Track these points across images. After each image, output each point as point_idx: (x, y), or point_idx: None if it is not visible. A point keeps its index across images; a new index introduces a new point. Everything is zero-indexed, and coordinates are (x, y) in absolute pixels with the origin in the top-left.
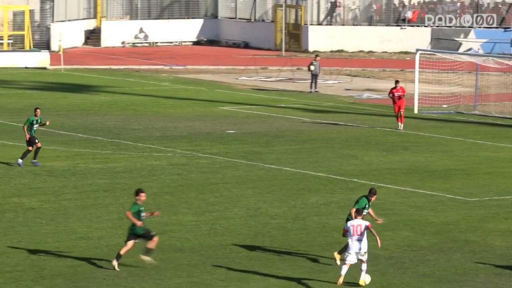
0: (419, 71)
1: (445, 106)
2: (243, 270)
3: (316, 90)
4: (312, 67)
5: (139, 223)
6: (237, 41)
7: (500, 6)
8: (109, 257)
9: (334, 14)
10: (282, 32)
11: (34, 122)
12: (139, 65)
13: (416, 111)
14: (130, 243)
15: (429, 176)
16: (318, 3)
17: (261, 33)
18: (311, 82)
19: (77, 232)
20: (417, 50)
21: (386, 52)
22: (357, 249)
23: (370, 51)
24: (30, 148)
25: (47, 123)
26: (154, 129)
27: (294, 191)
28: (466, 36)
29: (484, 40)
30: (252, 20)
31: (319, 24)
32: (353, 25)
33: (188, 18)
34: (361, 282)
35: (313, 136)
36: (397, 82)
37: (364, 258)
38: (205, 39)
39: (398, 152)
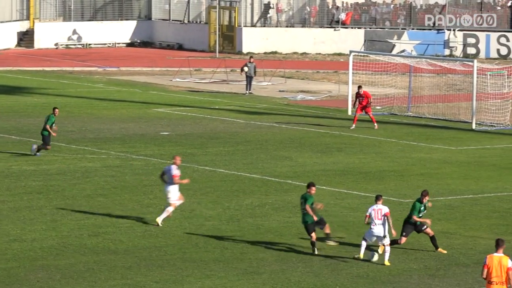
0: (353, 73)
1: (378, 107)
2: (177, 272)
3: (250, 92)
4: (246, 69)
5: (315, 217)
6: (171, 42)
7: (433, 7)
8: (42, 259)
9: (268, 15)
10: (216, 33)
11: (54, 121)
12: (73, 67)
13: (350, 112)
14: (314, 234)
15: (363, 177)
16: (252, 5)
17: (195, 34)
18: (246, 84)
19: (10, 234)
20: (351, 51)
21: (320, 53)
22: (379, 233)
23: (304, 53)
24: (48, 147)
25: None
26: (87, 131)
27: (229, 193)
28: (399, 37)
29: (417, 42)
30: (186, 22)
31: (253, 25)
32: (287, 26)
33: (121, 19)
34: (386, 263)
35: (247, 138)
36: (359, 87)
37: (386, 241)
38: (138, 41)
39: (332, 154)
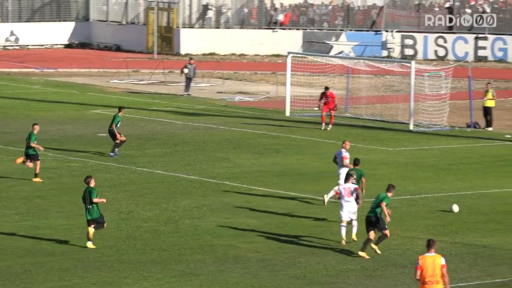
0: (291, 74)
1: (316, 108)
2: (114, 273)
3: (188, 93)
4: (186, 70)
5: (388, 219)
6: (109, 44)
7: (371, 9)
8: None
9: (206, 16)
10: (154, 35)
11: (119, 120)
12: (10, 68)
13: (288, 113)
14: (371, 233)
15: (301, 178)
16: (190, 6)
17: (133, 36)
18: (185, 85)
19: None
20: (289, 53)
21: (258, 55)
22: (351, 209)
23: (242, 54)
24: (118, 141)
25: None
26: (25, 133)
27: (166, 194)
28: (337, 39)
29: (355, 43)
30: (124, 23)
31: (191, 27)
32: (225, 28)
33: (59, 20)
34: (354, 237)
35: (185, 139)
36: (326, 88)
37: (354, 216)
38: (76, 42)
39: (270, 155)
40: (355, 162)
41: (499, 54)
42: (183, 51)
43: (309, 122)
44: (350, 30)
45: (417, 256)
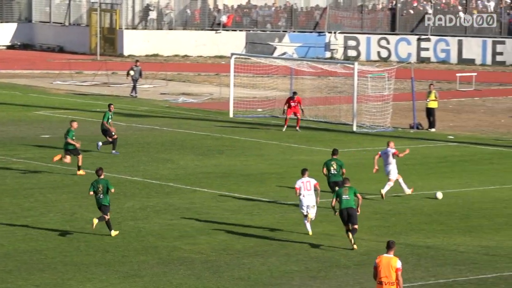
0: (234, 75)
1: (260, 110)
2: (58, 275)
3: (136, 95)
4: (131, 72)
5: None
6: (51, 45)
7: (314, 10)
8: None
9: (149, 18)
10: (97, 36)
11: (110, 116)
12: None
13: (231, 115)
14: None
15: (245, 179)
16: (133, 7)
17: (75, 37)
18: (132, 87)
19: None
20: (232, 54)
21: (201, 56)
22: (309, 202)
23: (186, 55)
24: (115, 136)
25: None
26: None
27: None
28: (280, 40)
29: (299, 44)
30: (67, 24)
31: (134, 28)
32: (168, 29)
33: (1, 22)
34: (310, 233)
35: (128, 141)
36: (294, 93)
37: (313, 210)
38: (19, 43)
39: (214, 156)
40: (334, 152)
41: (442, 55)
42: (126, 52)
43: (252, 123)
44: (293, 32)
45: (361, 257)
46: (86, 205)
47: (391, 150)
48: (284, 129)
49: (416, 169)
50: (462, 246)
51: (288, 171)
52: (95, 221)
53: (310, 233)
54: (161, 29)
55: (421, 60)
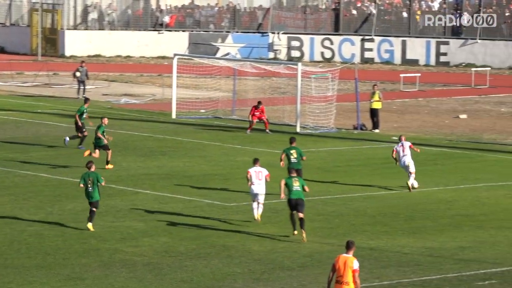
0: (177, 76)
1: (203, 111)
2: None
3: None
4: (77, 74)
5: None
6: None
7: (257, 10)
8: None
9: (91, 18)
10: (38, 36)
11: (85, 111)
12: None
13: (174, 116)
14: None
15: (187, 181)
16: (75, 7)
17: (16, 37)
18: (78, 88)
19: None
20: (175, 54)
21: (143, 56)
22: (259, 191)
23: (128, 56)
24: (85, 133)
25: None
26: None
27: (51, 198)
28: (223, 40)
29: (242, 45)
30: (8, 24)
31: (76, 28)
32: (110, 29)
33: None
34: (258, 217)
35: (70, 142)
36: (259, 103)
37: (262, 198)
38: None
39: (156, 157)
40: (291, 140)
41: (385, 56)
42: (67, 53)
43: (195, 125)
44: (237, 32)
45: (304, 259)
46: (27, 207)
47: (407, 143)
48: (247, 132)
49: (360, 170)
50: (406, 247)
51: (231, 172)
52: (90, 225)
53: (258, 217)
54: (103, 29)
55: (365, 60)
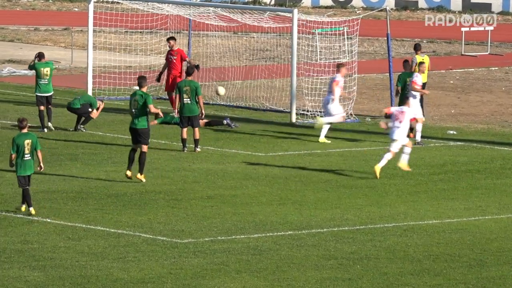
0: (95, 31)
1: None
2: None
3: None
4: None
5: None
6: None
7: None
8: None
9: None
10: None
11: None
12: None
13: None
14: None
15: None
16: None
17: None
18: None
19: None
20: None
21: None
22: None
23: None
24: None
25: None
26: None
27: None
28: None
29: None
30: None
31: None
32: None
33: None
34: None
35: None
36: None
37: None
38: None
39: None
40: (188, 71)
41: None
42: None
43: (120, 112)
44: None
45: None
46: None
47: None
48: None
49: (395, 184)
50: None
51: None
52: (23, 207)
53: None
54: None
55: (403, 5)
